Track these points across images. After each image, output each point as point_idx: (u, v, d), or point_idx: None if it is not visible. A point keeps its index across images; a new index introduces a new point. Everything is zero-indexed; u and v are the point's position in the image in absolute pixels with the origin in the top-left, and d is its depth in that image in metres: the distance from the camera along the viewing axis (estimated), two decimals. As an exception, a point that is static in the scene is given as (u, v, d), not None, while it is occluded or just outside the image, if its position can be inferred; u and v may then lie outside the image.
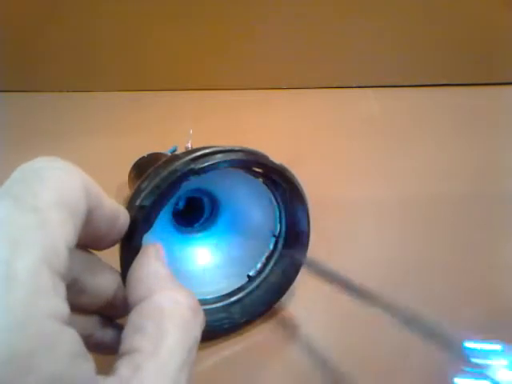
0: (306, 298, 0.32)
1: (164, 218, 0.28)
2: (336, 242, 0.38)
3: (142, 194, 0.22)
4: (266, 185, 0.28)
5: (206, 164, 0.23)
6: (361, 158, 0.51)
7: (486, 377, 0.19)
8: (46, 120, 0.62)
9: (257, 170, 0.26)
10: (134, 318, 0.17)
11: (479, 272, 0.34)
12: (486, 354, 0.22)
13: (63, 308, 0.13)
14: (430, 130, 0.57)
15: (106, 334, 0.20)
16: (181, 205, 0.30)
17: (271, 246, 0.31)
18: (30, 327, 0.12)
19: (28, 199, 0.14)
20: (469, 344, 0.20)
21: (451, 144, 0.53)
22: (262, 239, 0.31)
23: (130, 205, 0.22)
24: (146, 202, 0.22)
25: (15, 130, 0.60)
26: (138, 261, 0.19)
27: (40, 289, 0.12)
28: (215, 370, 0.28)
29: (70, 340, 0.13)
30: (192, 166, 0.23)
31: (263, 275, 0.30)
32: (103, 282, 0.19)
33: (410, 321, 0.21)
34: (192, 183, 0.23)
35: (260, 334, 0.30)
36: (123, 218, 0.20)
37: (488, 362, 0.20)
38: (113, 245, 0.20)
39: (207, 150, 0.23)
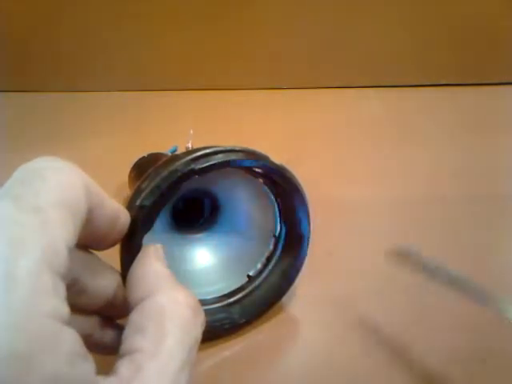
0: (306, 298, 0.32)
1: (164, 218, 0.28)
2: (336, 242, 0.38)
3: (143, 194, 0.22)
4: (266, 185, 0.28)
5: (207, 164, 0.23)
6: (361, 158, 0.51)
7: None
8: (46, 120, 0.62)
9: (257, 170, 0.26)
10: (134, 318, 0.17)
11: (479, 272, 0.34)
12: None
13: (63, 308, 0.13)
14: (431, 129, 0.57)
15: (106, 334, 0.20)
16: (181, 205, 0.30)
17: (271, 247, 0.31)
18: (30, 327, 0.12)
19: (28, 199, 0.14)
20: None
21: (452, 144, 0.53)
22: (262, 239, 0.31)
23: (130, 205, 0.22)
24: (147, 202, 0.22)
25: (15, 130, 0.60)
26: (139, 261, 0.19)
27: (40, 289, 0.12)
28: (215, 370, 0.28)
29: (69, 340, 0.13)
30: (192, 166, 0.23)
31: (263, 275, 0.30)
32: (103, 282, 0.19)
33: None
34: (192, 183, 0.23)
35: (260, 335, 0.29)
36: (123, 217, 0.19)
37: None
38: (113, 245, 0.20)
39: (208, 150, 0.23)
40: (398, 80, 0.68)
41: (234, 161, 0.24)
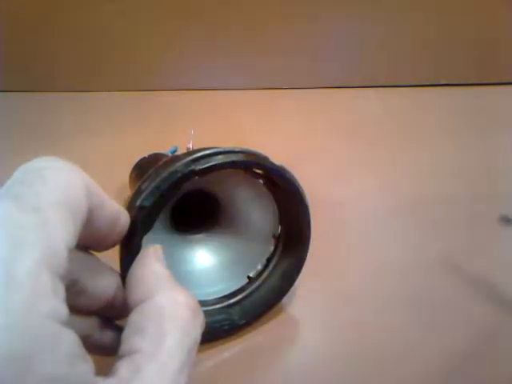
0: (306, 299, 0.32)
1: (164, 219, 0.28)
2: (336, 242, 0.38)
3: (143, 195, 0.22)
4: (266, 186, 0.28)
5: (207, 165, 0.23)
6: (361, 159, 0.51)
7: None
8: (46, 120, 0.62)
9: (257, 171, 0.26)
10: (134, 319, 0.17)
11: (479, 272, 0.34)
12: None
13: (62, 309, 0.13)
14: (431, 129, 0.57)
15: (106, 335, 0.20)
16: (181, 206, 0.30)
17: (271, 247, 0.30)
18: (29, 328, 0.12)
19: (29, 199, 0.14)
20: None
21: (451, 144, 0.53)
22: (262, 240, 0.31)
23: (130, 205, 0.22)
24: (147, 203, 0.21)
25: (15, 130, 0.60)
26: (138, 262, 0.19)
27: (39, 290, 0.12)
28: (215, 371, 0.27)
29: (68, 341, 0.13)
30: (192, 167, 0.23)
31: (263, 276, 0.30)
32: (103, 282, 0.19)
33: None
34: (192, 184, 0.23)
35: (260, 336, 0.29)
36: (123, 218, 0.19)
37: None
38: (113, 246, 0.20)
39: (208, 151, 0.23)
40: (398, 80, 0.68)
41: (234, 162, 0.24)
